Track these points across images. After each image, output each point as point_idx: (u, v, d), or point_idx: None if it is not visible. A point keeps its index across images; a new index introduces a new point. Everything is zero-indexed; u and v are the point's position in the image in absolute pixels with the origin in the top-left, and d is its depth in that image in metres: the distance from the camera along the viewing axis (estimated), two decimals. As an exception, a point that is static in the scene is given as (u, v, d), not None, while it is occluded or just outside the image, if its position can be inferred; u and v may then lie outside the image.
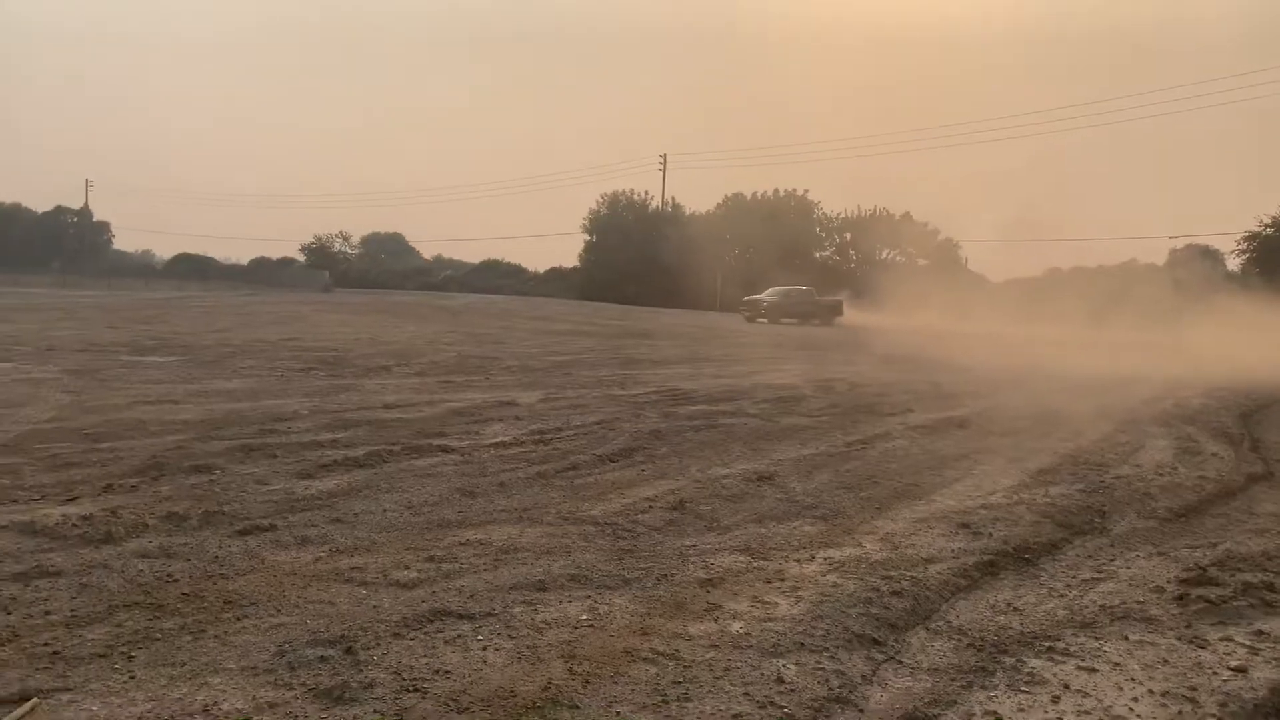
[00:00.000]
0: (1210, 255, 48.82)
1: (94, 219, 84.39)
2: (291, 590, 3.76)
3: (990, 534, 5.14)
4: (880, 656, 3.40)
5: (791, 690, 3.04)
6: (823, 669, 3.23)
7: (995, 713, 2.98)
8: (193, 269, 72.99)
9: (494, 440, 7.30)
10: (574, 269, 72.09)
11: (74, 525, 4.46)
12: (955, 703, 3.04)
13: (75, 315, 22.35)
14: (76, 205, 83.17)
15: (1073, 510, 5.76)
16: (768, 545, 4.75)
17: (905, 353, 20.34)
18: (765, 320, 43.12)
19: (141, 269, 76.82)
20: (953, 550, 4.80)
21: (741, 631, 3.55)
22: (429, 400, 9.49)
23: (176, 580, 3.83)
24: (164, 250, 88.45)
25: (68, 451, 6.20)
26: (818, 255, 65.74)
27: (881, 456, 7.41)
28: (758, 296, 45.86)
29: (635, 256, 61.19)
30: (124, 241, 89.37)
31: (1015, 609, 4.01)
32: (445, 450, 6.78)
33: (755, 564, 4.42)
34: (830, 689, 3.07)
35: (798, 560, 4.52)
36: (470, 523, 4.93)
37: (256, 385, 10.19)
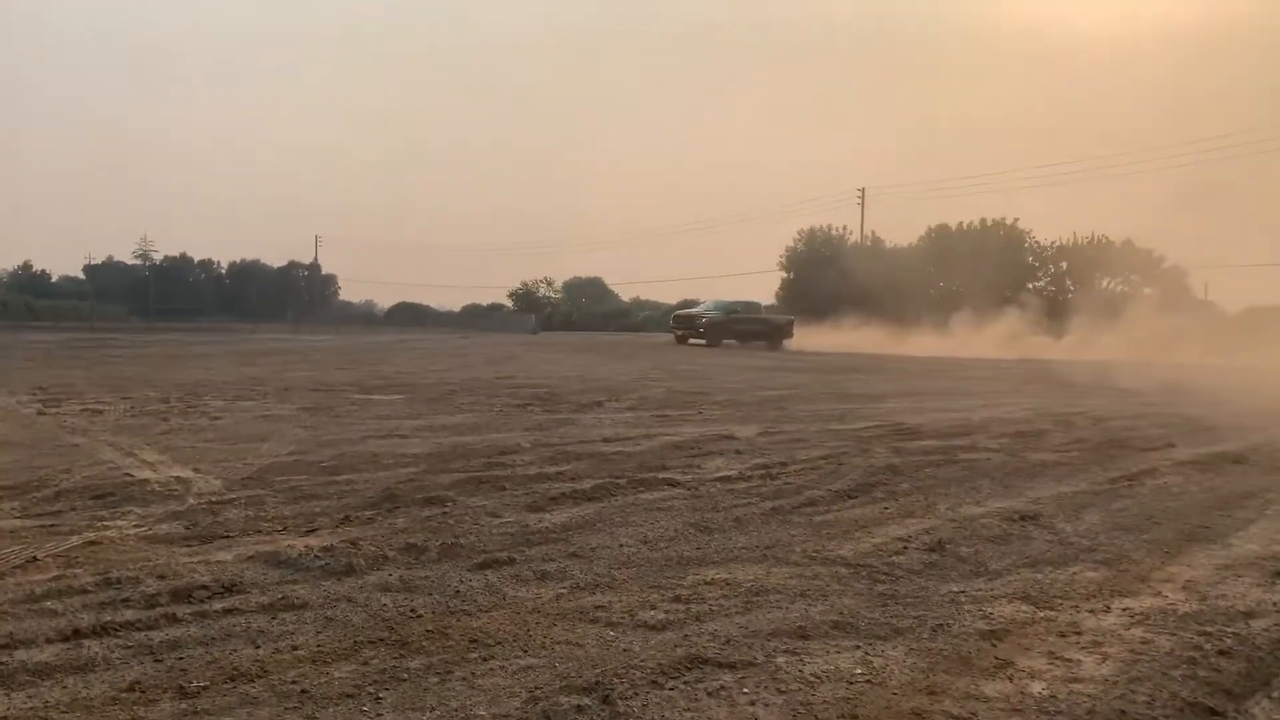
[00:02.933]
0: None
1: (322, 272, 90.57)
2: (537, 629, 3.53)
3: (1316, 585, 4.37)
4: (1225, 731, 2.81)
5: (1127, 770, 2.53)
6: (1157, 744, 2.69)
7: None
8: (411, 315, 77.23)
9: (719, 474, 6.98)
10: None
11: (316, 556, 4.43)
12: (1346, 796, 2.44)
13: (308, 358, 23.71)
14: (307, 260, 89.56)
15: None
16: (1049, 593, 4.18)
17: (1143, 385, 18.71)
18: (703, 342, 35.16)
19: (365, 316, 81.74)
20: (1274, 603, 4.09)
21: (1045, 694, 3.04)
22: (645, 434, 9.29)
23: (420, 616, 3.68)
24: (384, 300, 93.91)
25: (306, 484, 6.31)
26: (1031, 286, 62.44)
27: (1155, 495, 6.60)
28: (692, 311, 37.87)
29: (833, 292, 59.96)
30: (349, 292, 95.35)
31: (1379, 678, 3.30)
32: (671, 484, 6.51)
33: (1041, 614, 3.87)
34: (1174, 770, 2.53)
35: (1090, 611, 3.93)
36: (711, 560, 4.60)
37: (478, 420, 10.31)
